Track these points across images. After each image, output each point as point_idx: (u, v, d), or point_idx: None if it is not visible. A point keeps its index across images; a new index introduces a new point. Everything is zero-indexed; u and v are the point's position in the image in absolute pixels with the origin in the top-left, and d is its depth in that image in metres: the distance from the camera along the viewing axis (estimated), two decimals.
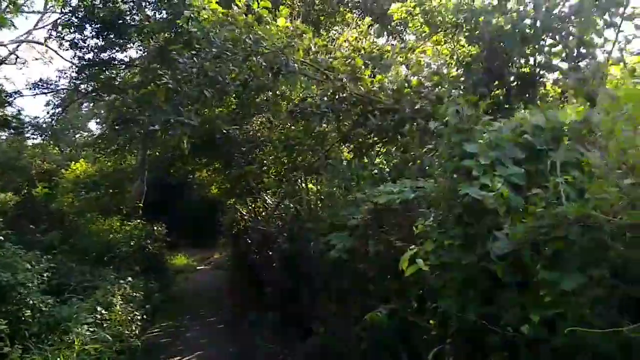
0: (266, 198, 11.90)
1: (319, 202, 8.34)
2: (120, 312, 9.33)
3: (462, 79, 6.54)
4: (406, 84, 6.91)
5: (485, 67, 6.18)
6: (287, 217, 10.24)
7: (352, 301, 6.44)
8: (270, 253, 11.45)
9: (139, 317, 10.28)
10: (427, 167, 5.50)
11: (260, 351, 8.95)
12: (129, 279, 11.43)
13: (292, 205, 9.38)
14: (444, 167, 3.72)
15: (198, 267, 25.21)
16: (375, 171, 6.77)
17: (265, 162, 11.65)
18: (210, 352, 8.89)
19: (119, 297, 9.70)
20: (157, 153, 22.44)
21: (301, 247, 8.71)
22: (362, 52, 7.86)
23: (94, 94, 19.87)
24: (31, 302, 7.71)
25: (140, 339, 9.53)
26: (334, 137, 8.24)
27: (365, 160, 7.23)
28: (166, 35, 14.25)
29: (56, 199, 15.70)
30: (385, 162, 7.20)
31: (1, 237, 8.86)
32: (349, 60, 7.06)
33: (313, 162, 8.18)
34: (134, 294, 10.92)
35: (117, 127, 11.68)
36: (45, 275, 8.53)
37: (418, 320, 4.34)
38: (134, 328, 9.62)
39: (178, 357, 8.54)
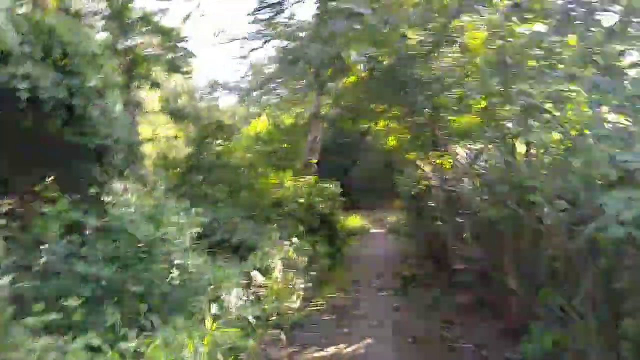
0: (457, 151, 9.36)
1: (544, 151, 5.61)
2: (278, 280, 7.86)
3: None
4: None
5: None
6: (488, 174, 7.65)
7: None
8: (460, 220, 9.00)
9: (302, 286, 8.76)
10: None
11: (446, 345, 6.72)
12: (294, 239, 9.99)
13: (499, 157, 6.77)
14: None
15: (372, 230, 23.63)
16: None
17: (455, 105, 9.11)
18: (379, 341, 6.88)
19: (278, 261, 8.23)
20: (331, 105, 21.19)
21: (514, 215, 6.11)
22: None
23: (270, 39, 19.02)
24: (175, 261, 6.51)
25: (301, 312, 7.98)
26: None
27: None
28: None
29: (229, 152, 15.07)
30: None
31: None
32: None
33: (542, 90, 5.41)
34: (298, 258, 9.45)
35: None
36: (194, 231, 7.31)
37: None
38: (294, 299, 8.11)
39: (343, 345, 6.67)
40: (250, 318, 6.53)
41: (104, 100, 8.52)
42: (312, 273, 9.59)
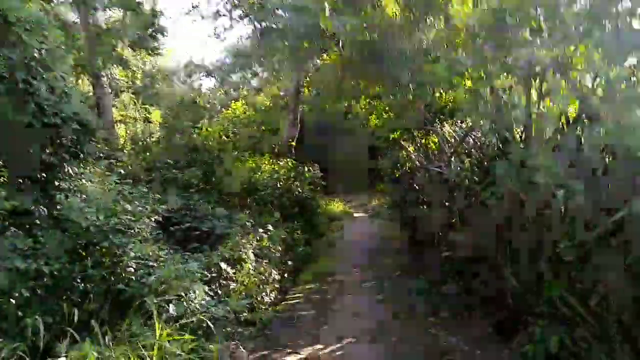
0: (445, 129, 8.62)
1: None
2: (251, 272, 7.10)
3: None
4: None
5: None
6: (479, 152, 6.95)
7: None
8: (448, 204, 8.33)
9: (277, 277, 8.02)
10: None
11: (436, 346, 6.07)
12: (269, 227, 9.21)
13: (494, 132, 6.06)
14: None
15: (355, 215, 22.95)
16: None
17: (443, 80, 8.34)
18: (361, 341, 6.17)
19: (251, 251, 7.46)
20: (310, 88, 20.31)
21: (512, 199, 5.42)
22: None
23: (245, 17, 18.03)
24: (130, 254, 5.69)
25: (275, 307, 7.25)
26: None
27: None
28: None
29: (203, 135, 14.16)
30: None
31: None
32: None
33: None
34: (274, 246, 8.69)
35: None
36: (153, 219, 6.49)
37: None
38: (269, 292, 7.37)
39: (320, 346, 5.95)
40: (215, 317, 5.80)
41: (51, 74, 7.60)
42: (289, 263, 8.84)
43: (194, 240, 9.04)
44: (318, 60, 15.72)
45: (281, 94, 21.03)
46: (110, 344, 4.05)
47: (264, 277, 7.26)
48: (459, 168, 7.48)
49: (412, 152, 10.38)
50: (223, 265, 6.60)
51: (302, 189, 13.69)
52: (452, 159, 8.01)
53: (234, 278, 6.69)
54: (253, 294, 6.70)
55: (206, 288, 5.86)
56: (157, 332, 4.24)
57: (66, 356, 3.75)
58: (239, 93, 32.66)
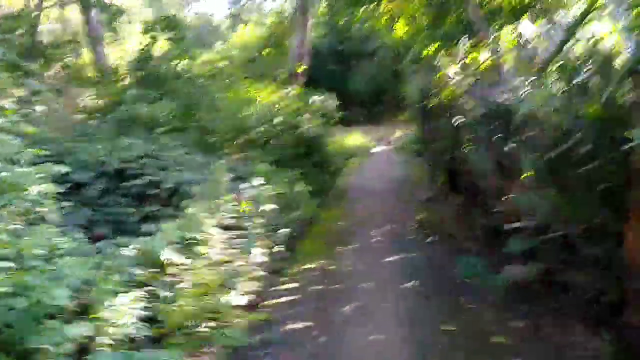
0: (505, 36, 5.81)
1: None
2: (217, 259, 4.72)
3: None
4: None
5: None
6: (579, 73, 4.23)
7: None
8: (510, 146, 5.69)
9: (263, 259, 5.64)
10: None
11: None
12: (257, 180, 6.73)
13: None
14: None
15: (375, 150, 20.32)
16: None
17: None
18: None
19: (212, 223, 5.03)
20: None
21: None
22: None
23: None
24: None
25: (252, 314, 4.85)
26: None
27: None
28: None
29: (186, 60, 11.45)
30: None
31: None
32: None
33: None
34: (261, 207, 6.26)
35: None
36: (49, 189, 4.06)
37: None
38: (243, 287, 4.97)
39: None
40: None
41: None
42: (281, 231, 6.42)
43: (154, 202, 6.74)
44: None
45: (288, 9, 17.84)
46: None
47: (238, 264, 4.90)
48: (530, 94, 4.79)
49: (451, 72, 7.57)
50: (168, 254, 4.22)
51: (310, 124, 11.09)
52: (515, 81, 5.30)
53: (185, 270, 4.33)
54: (215, 294, 4.35)
55: (128, 304, 3.53)
56: None
57: None
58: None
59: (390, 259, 6.26)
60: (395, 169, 14.27)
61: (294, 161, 9.67)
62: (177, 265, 4.33)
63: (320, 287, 5.36)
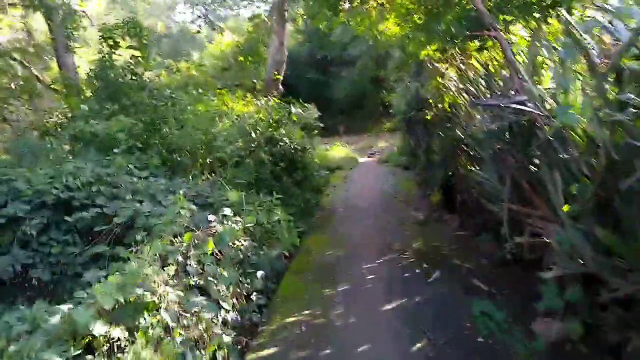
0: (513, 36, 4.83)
1: None
2: (167, 329, 3.63)
3: None
4: None
5: None
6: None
7: None
8: (530, 160, 4.75)
9: (234, 313, 4.56)
10: None
11: None
12: (227, 210, 5.63)
13: None
14: None
15: (360, 160, 19.27)
16: None
17: None
18: None
19: (164, 283, 3.95)
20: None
21: None
22: None
23: None
24: None
25: None
26: None
27: None
28: None
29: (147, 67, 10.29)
30: None
31: None
32: None
33: None
34: (231, 244, 5.18)
35: None
36: None
37: None
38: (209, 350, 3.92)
39: None
40: None
41: None
42: (257, 274, 5.33)
43: (103, 239, 5.60)
44: None
45: (264, 14, 16.75)
46: None
47: (197, 330, 3.80)
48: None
49: (453, 78, 6.57)
50: (99, 327, 3.12)
51: (290, 138, 10.03)
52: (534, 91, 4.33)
53: (127, 347, 3.23)
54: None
55: None
56: None
57: None
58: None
59: (389, 306, 5.18)
60: (381, 183, 13.25)
61: (273, 180, 8.61)
62: (113, 340, 3.22)
63: (305, 352, 4.24)
